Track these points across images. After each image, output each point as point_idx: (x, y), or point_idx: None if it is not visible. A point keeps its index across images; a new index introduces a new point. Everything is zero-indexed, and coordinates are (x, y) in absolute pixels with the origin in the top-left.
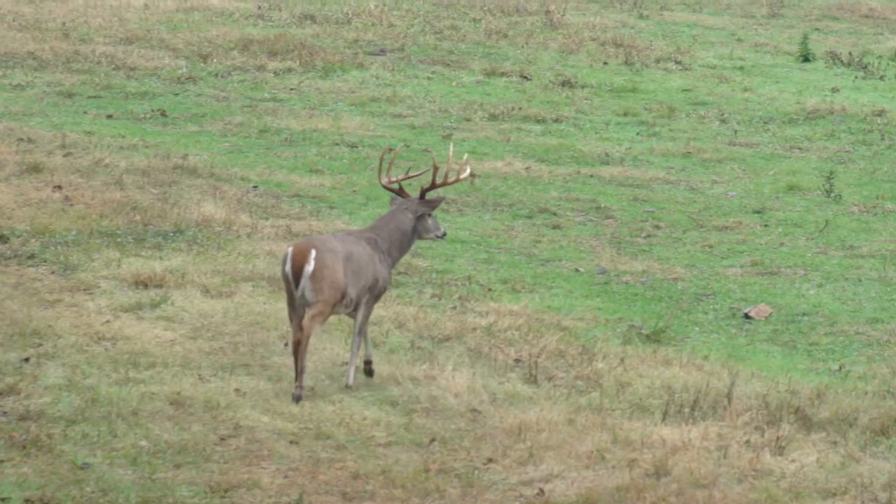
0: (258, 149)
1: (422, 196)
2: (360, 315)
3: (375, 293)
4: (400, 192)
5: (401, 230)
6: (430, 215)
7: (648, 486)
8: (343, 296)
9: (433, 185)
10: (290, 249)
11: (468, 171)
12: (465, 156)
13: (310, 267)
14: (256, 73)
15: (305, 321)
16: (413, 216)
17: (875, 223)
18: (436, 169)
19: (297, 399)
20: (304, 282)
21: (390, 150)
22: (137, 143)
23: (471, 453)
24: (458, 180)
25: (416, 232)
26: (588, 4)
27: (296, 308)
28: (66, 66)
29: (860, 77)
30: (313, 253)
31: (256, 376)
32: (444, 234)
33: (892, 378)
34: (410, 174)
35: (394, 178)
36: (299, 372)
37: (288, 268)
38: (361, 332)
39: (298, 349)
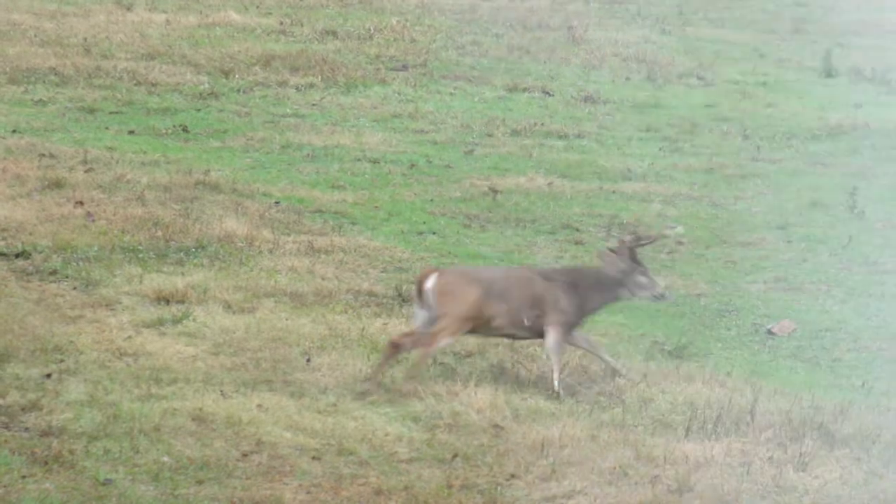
0: (280, 164)
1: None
2: (547, 340)
3: (562, 319)
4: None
5: (597, 275)
6: (642, 273)
7: (671, 503)
8: (479, 313)
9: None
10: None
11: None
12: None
13: (429, 283)
14: (278, 88)
15: (433, 331)
16: (621, 271)
17: None
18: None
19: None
20: (427, 300)
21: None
22: (159, 158)
23: (493, 469)
24: (660, 236)
25: (622, 286)
26: (610, 20)
27: (416, 324)
28: (87, 82)
29: (883, 93)
30: (435, 275)
31: (279, 392)
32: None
33: None
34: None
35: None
36: (414, 377)
37: (414, 289)
38: (555, 352)
39: (389, 350)
